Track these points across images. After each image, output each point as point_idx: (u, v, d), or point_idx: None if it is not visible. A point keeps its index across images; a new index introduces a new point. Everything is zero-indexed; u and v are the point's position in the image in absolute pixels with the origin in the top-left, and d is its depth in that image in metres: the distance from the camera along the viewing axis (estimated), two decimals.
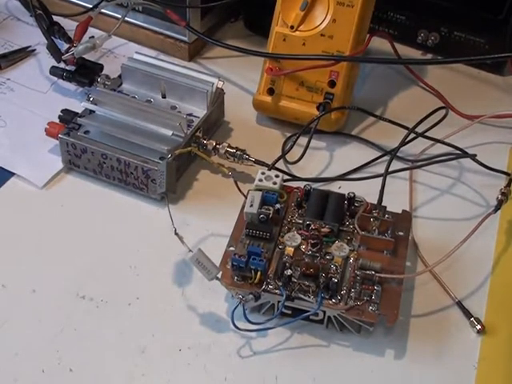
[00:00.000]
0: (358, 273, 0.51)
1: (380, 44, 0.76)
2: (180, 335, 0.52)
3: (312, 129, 0.65)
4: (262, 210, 0.55)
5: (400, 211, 0.57)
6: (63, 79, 0.71)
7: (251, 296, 0.50)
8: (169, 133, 0.61)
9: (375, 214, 0.55)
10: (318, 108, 0.66)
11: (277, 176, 0.58)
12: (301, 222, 0.56)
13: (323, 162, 0.66)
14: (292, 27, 0.66)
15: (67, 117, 0.64)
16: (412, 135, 0.63)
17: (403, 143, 0.62)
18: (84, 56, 0.70)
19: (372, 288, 0.51)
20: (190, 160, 0.65)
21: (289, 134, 0.68)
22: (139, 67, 0.66)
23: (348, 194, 0.56)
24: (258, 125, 0.70)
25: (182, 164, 0.63)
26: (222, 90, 0.66)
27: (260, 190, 0.56)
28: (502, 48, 0.73)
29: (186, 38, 0.76)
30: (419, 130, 0.64)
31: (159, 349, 0.51)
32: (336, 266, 0.52)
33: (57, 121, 0.64)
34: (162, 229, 0.57)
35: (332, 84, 0.66)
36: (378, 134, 0.68)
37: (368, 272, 0.51)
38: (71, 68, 0.70)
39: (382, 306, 0.50)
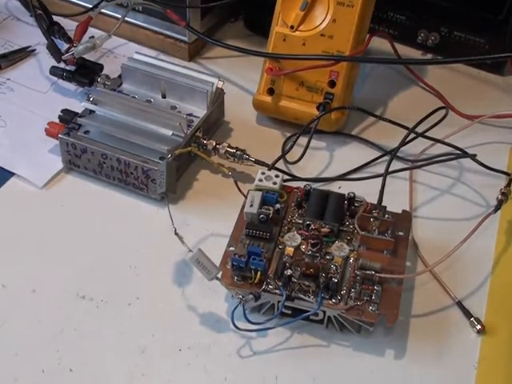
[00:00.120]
0: (357, 273, 0.51)
1: (380, 44, 0.76)
2: (180, 335, 0.52)
3: (312, 129, 0.65)
4: (262, 210, 0.55)
5: (400, 211, 0.57)
6: (63, 79, 0.71)
7: (251, 296, 0.50)
8: (169, 133, 0.61)
9: (375, 214, 0.55)
10: (318, 108, 0.66)
11: (277, 176, 0.58)
12: (301, 221, 0.56)
13: (323, 162, 0.66)
14: (292, 27, 0.66)
15: (67, 117, 0.64)
16: (412, 135, 0.63)
17: (403, 143, 0.62)
18: (84, 56, 0.70)
19: (372, 288, 0.51)
20: (190, 160, 0.65)
21: (289, 134, 0.68)
22: (139, 67, 0.66)
23: (348, 193, 0.56)
24: (258, 125, 0.70)
25: (182, 164, 0.63)
26: (222, 90, 0.66)
27: (260, 190, 0.56)
28: (502, 48, 0.73)
29: (186, 38, 0.76)
30: (419, 130, 0.64)
31: (159, 349, 0.51)
32: (336, 266, 0.52)
33: (57, 121, 0.64)
34: (162, 229, 0.57)
35: (332, 84, 0.66)
36: (378, 134, 0.68)
37: (368, 272, 0.51)
38: (71, 68, 0.70)
39: (382, 306, 0.50)
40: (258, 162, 0.63)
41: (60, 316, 0.53)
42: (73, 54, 0.69)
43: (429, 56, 0.79)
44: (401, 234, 0.55)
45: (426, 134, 0.64)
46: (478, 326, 0.53)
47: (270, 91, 0.68)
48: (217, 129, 0.68)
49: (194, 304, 0.54)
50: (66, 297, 0.54)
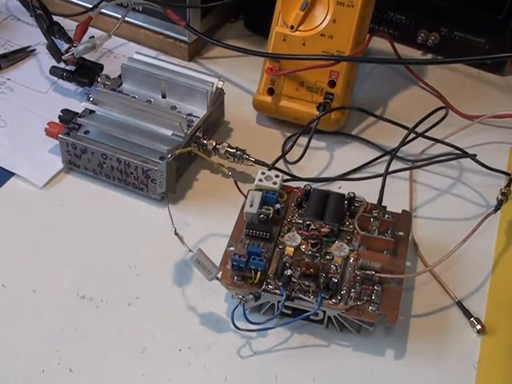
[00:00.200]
0: (358, 273, 0.51)
1: (380, 44, 0.76)
2: (180, 335, 0.52)
3: (312, 129, 0.65)
4: (262, 210, 0.55)
5: (400, 211, 0.57)
6: (63, 79, 0.71)
7: (251, 296, 0.50)
8: (169, 133, 0.61)
9: (375, 214, 0.55)
10: (318, 108, 0.66)
11: (277, 176, 0.58)
12: (301, 222, 0.56)
13: (323, 162, 0.66)
14: (292, 27, 0.66)
15: (67, 117, 0.64)
16: (412, 135, 0.63)
17: (403, 143, 0.62)
18: (84, 56, 0.70)
19: (372, 288, 0.51)
20: (190, 160, 0.65)
21: (289, 134, 0.68)
22: (139, 67, 0.66)
23: (348, 194, 0.56)
24: (258, 125, 0.70)
25: (182, 164, 0.63)
26: (222, 89, 0.66)
27: (260, 189, 0.56)
28: (502, 48, 0.73)
29: (186, 38, 0.76)
30: (419, 130, 0.64)
31: (159, 349, 0.51)
32: (336, 266, 0.52)
33: (57, 121, 0.64)
34: (162, 229, 0.57)
35: (332, 84, 0.66)
36: (378, 134, 0.68)
37: (368, 272, 0.51)
38: (71, 68, 0.70)
39: (382, 305, 0.50)
40: (257, 161, 0.63)
41: (60, 316, 0.53)
42: (73, 54, 0.69)
43: (429, 56, 0.79)
44: (401, 234, 0.55)
45: (426, 133, 0.64)
46: (478, 326, 0.53)
47: (270, 91, 0.68)
48: (217, 129, 0.68)
49: (194, 304, 0.54)
50: (65, 297, 0.54)
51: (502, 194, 0.57)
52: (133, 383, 0.50)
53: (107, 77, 0.68)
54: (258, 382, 0.50)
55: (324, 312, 0.51)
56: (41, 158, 0.65)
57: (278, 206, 0.56)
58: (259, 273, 0.51)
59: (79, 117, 0.63)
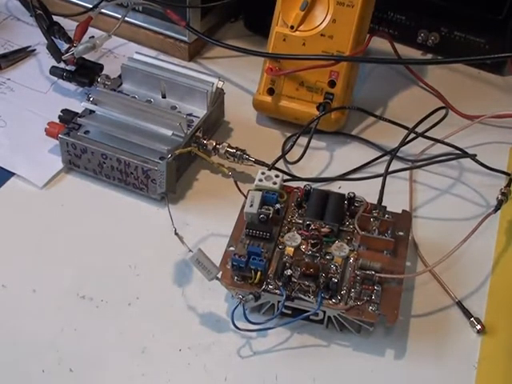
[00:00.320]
0: (358, 273, 0.51)
1: (380, 44, 0.76)
2: (180, 335, 0.52)
3: (312, 129, 0.65)
4: (262, 210, 0.55)
5: (400, 211, 0.57)
6: (63, 79, 0.71)
7: (251, 296, 0.50)
8: (169, 133, 0.61)
9: (375, 214, 0.55)
10: (318, 108, 0.66)
11: (277, 176, 0.58)
12: (301, 222, 0.56)
13: (323, 162, 0.66)
14: (292, 27, 0.66)
15: (67, 117, 0.64)
16: (412, 135, 0.63)
17: (403, 143, 0.62)
18: (84, 56, 0.70)
19: (372, 288, 0.51)
20: (190, 160, 0.65)
21: (289, 134, 0.68)
22: (139, 67, 0.66)
23: (348, 193, 0.56)
24: (258, 125, 0.70)
25: (182, 164, 0.63)
26: (222, 89, 0.66)
27: (260, 189, 0.56)
28: (502, 48, 0.73)
29: (186, 38, 0.76)
30: (419, 130, 0.64)
31: (159, 349, 0.51)
32: (336, 266, 0.52)
33: (57, 121, 0.64)
34: (162, 229, 0.57)
35: (332, 84, 0.66)
36: (378, 134, 0.68)
37: (368, 272, 0.51)
38: (71, 68, 0.70)
39: (382, 305, 0.50)
40: (257, 161, 0.63)
41: (60, 316, 0.53)
42: (73, 54, 0.69)
43: (429, 56, 0.79)
44: (401, 234, 0.55)
45: (426, 133, 0.64)
46: (478, 326, 0.53)
47: (270, 91, 0.68)
48: (217, 129, 0.68)
49: (194, 304, 0.54)
50: (66, 297, 0.54)
51: (502, 194, 0.57)
52: (133, 383, 0.50)
53: (107, 77, 0.68)
54: (258, 382, 0.50)
55: (324, 312, 0.51)
56: (41, 158, 0.65)
57: (278, 205, 0.56)
58: (259, 273, 0.51)
59: (79, 117, 0.63)
